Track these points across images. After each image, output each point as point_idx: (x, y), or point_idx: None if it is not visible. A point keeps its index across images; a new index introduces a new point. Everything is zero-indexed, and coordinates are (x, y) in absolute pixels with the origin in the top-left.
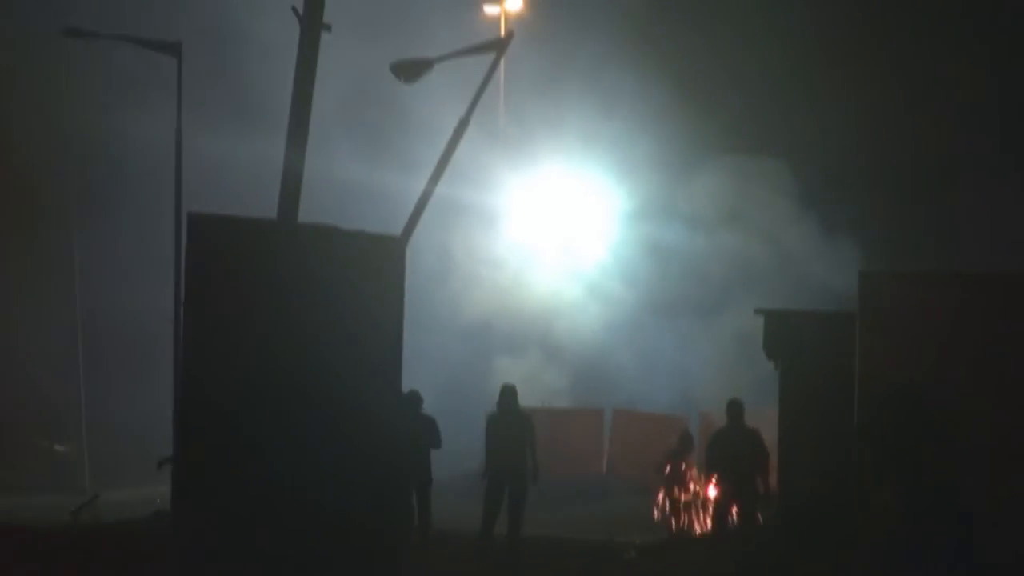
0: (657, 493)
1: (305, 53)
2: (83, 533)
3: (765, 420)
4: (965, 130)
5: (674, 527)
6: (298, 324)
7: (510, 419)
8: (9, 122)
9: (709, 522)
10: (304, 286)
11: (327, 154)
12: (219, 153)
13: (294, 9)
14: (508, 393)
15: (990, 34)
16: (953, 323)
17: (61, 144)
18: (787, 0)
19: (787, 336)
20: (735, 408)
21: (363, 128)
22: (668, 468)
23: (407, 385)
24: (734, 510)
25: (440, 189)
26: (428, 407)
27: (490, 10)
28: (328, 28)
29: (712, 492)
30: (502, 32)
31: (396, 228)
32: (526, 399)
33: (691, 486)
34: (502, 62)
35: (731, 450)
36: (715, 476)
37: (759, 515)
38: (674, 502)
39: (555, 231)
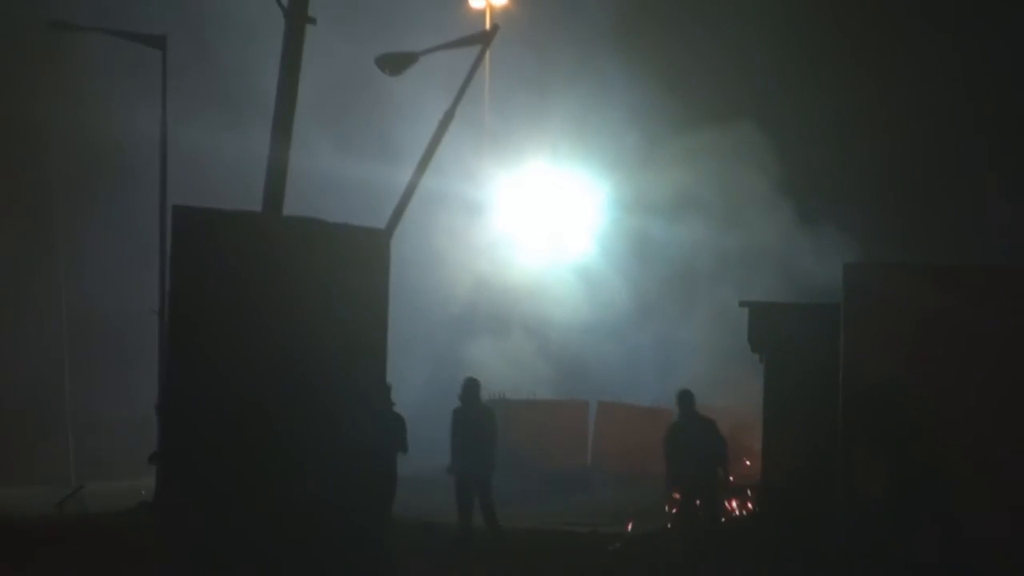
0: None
1: (290, 46)
2: (68, 524)
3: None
4: (953, 122)
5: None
6: (284, 316)
7: (473, 412)
8: None
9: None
10: (289, 279)
11: (312, 147)
12: (204, 145)
13: (279, 2)
14: (471, 386)
15: (977, 23)
16: (938, 315)
17: (44, 137)
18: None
19: (772, 328)
20: (686, 399)
21: (348, 121)
22: None
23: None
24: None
25: (425, 181)
26: (413, 400)
27: (475, 3)
28: (313, 21)
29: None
30: (487, 25)
31: (382, 221)
32: (512, 391)
33: None
34: (487, 55)
35: (689, 441)
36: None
37: (749, 503)
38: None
39: (540, 223)
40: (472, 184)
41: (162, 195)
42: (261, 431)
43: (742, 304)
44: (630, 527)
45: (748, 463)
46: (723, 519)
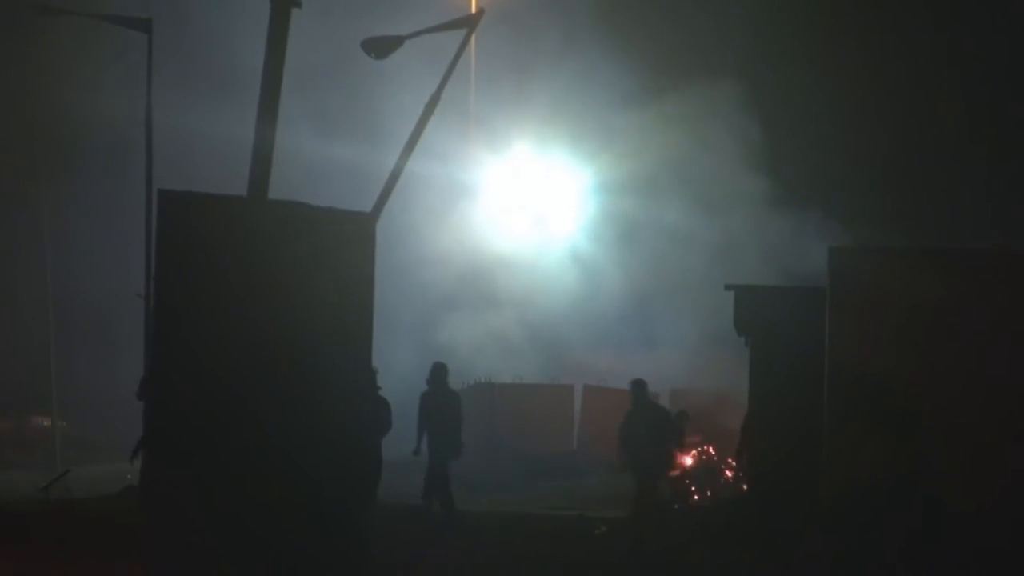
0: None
1: (275, 29)
2: (53, 509)
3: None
4: (939, 106)
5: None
6: (269, 300)
7: (440, 396)
8: None
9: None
10: (275, 262)
11: (298, 131)
12: (189, 129)
13: None
14: (438, 371)
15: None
16: (924, 299)
17: (31, 121)
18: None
19: (758, 311)
20: (639, 387)
21: (333, 105)
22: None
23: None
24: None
25: (411, 165)
26: (398, 384)
27: None
28: (298, 4)
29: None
30: (473, 8)
31: (367, 205)
32: (497, 375)
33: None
34: (473, 39)
35: (642, 428)
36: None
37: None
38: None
39: (526, 206)
40: (458, 167)
41: (147, 179)
42: (246, 415)
43: (728, 287)
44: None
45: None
46: (676, 505)
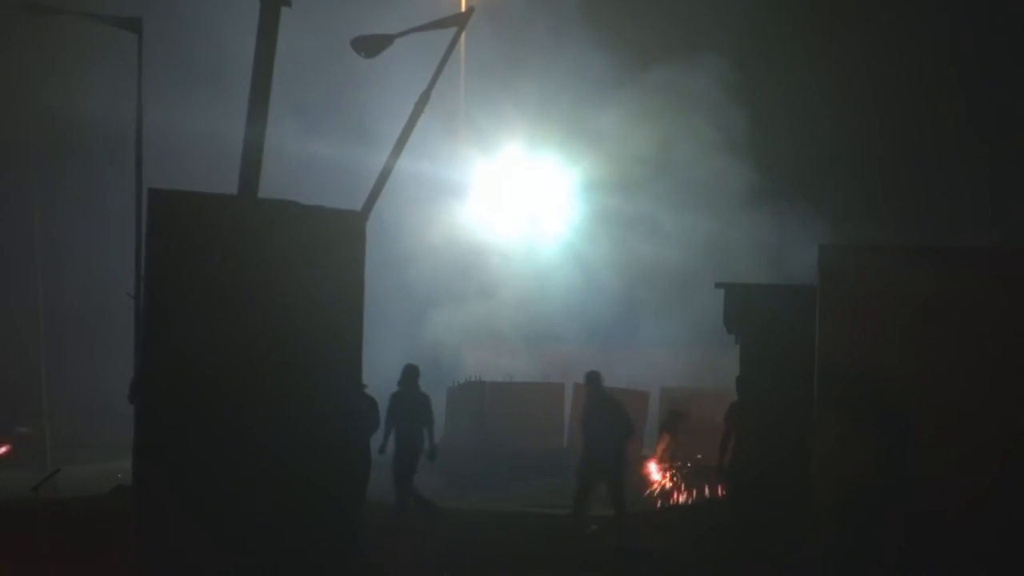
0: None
1: (265, 27)
2: (43, 508)
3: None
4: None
5: (677, 497)
6: (259, 300)
7: (410, 397)
8: None
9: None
10: (265, 262)
11: (288, 130)
12: (179, 128)
13: None
14: (409, 372)
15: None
16: (914, 297)
17: (20, 120)
18: None
19: (747, 309)
20: (593, 380)
21: (323, 104)
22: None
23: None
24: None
25: (401, 164)
26: (388, 383)
27: None
28: (288, 3)
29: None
30: (463, 6)
31: (357, 204)
32: (488, 374)
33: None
34: (463, 37)
35: (597, 421)
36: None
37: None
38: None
39: (516, 205)
40: (447, 166)
41: (137, 178)
42: (236, 414)
43: (718, 285)
44: None
45: None
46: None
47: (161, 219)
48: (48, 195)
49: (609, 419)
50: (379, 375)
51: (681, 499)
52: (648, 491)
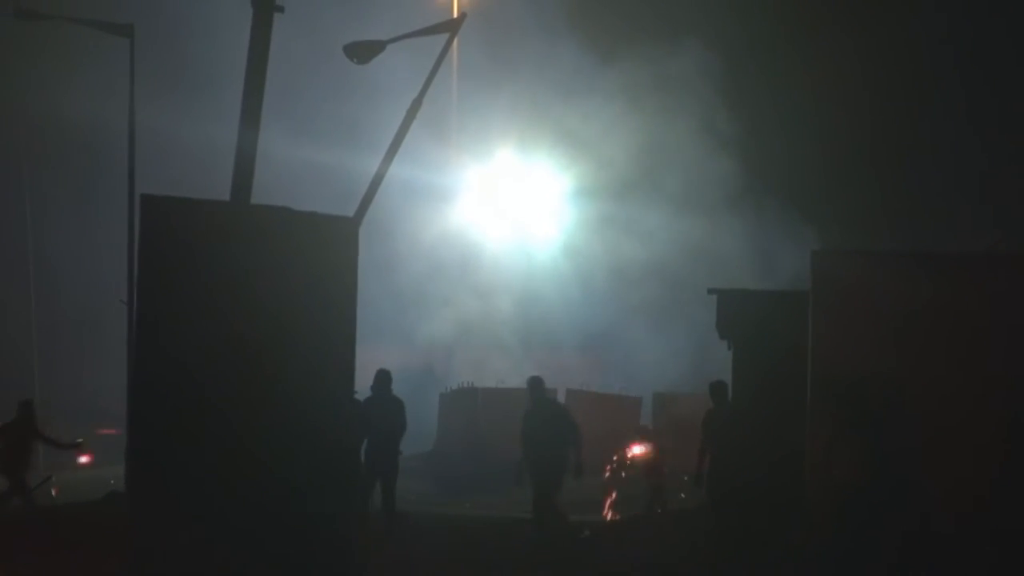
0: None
1: (257, 34)
2: (36, 514)
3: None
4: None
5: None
6: (252, 306)
7: (383, 403)
8: None
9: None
10: (258, 267)
11: (281, 136)
12: (172, 134)
13: None
14: (383, 378)
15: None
16: (907, 302)
17: (13, 126)
18: None
19: (740, 315)
20: (536, 384)
21: (316, 110)
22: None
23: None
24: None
25: (393, 169)
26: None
27: None
28: (281, 9)
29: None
30: (455, 13)
31: (350, 209)
32: (481, 380)
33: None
34: (455, 43)
35: (539, 426)
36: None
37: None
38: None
39: (508, 210)
40: (440, 172)
41: (130, 184)
42: (228, 420)
43: (710, 291)
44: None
45: None
46: (658, 508)
47: (154, 225)
48: (40, 201)
49: (552, 426)
50: (371, 380)
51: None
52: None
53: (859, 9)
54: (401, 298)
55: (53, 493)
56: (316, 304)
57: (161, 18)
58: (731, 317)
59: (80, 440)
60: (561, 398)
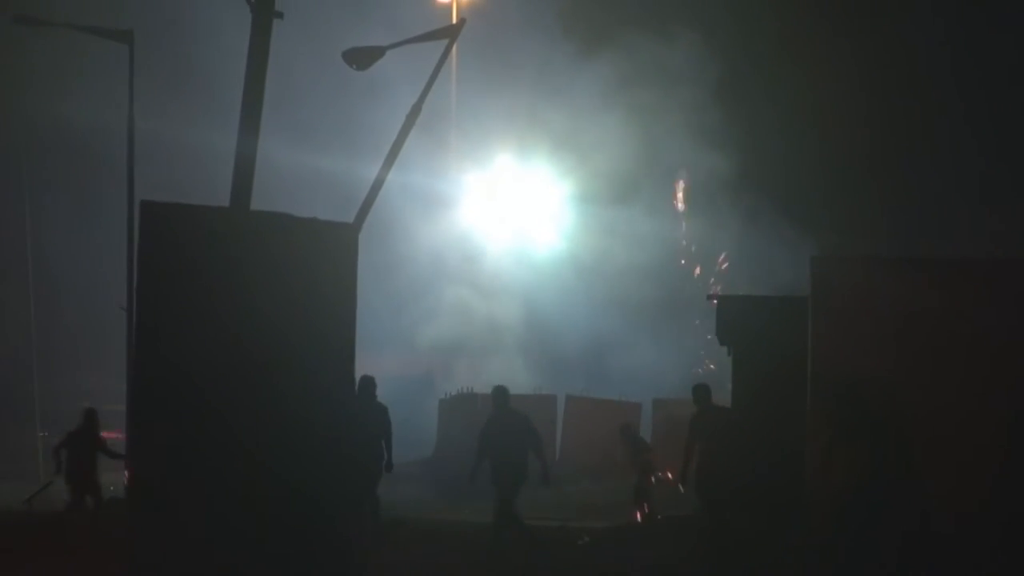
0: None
1: (256, 41)
2: (37, 521)
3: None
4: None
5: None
6: (252, 312)
7: (368, 410)
8: None
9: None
10: (258, 274)
11: (279, 142)
12: (171, 140)
13: None
14: (366, 384)
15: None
16: (906, 309)
17: (13, 130)
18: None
19: (740, 321)
20: (499, 394)
21: (314, 116)
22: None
23: (362, 371)
24: None
25: (393, 175)
26: (380, 395)
27: None
28: (280, 15)
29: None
30: (454, 19)
31: (349, 215)
32: (479, 386)
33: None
34: (454, 49)
35: (502, 434)
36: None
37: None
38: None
39: (508, 217)
40: (440, 177)
41: (129, 190)
42: (228, 427)
43: (710, 297)
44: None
45: None
46: (659, 516)
47: (153, 231)
48: (39, 206)
49: (514, 434)
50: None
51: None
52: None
53: (856, 13)
54: (401, 303)
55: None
56: (316, 310)
57: (161, 22)
58: (731, 323)
59: None
60: (560, 404)
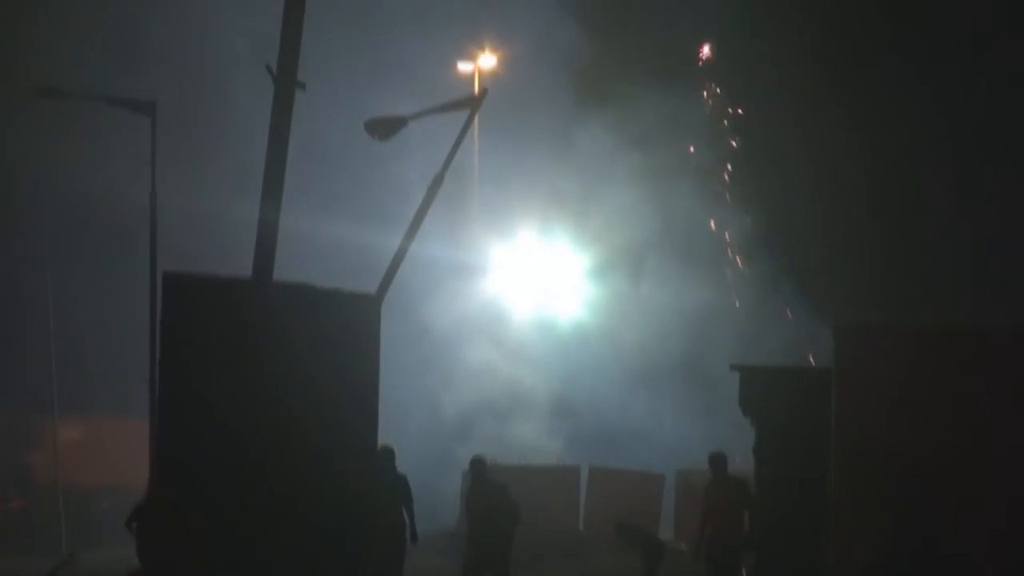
0: None
1: (279, 111)
2: None
3: None
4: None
5: None
6: (274, 383)
7: (388, 481)
8: None
9: None
10: (280, 345)
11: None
12: (194, 211)
13: (268, 67)
14: (386, 455)
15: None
16: (929, 378)
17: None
18: (748, 56)
19: (762, 391)
20: (477, 465)
21: (338, 186)
22: None
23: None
24: None
25: (415, 246)
26: (403, 464)
27: (464, 68)
28: (302, 86)
29: None
30: (476, 90)
31: (371, 286)
32: (504, 456)
33: None
34: (476, 119)
35: (481, 505)
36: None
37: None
38: None
39: (530, 288)
40: (462, 249)
41: (152, 261)
42: (250, 499)
43: (733, 367)
44: None
45: None
46: None
47: (176, 302)
48: (61, 279)
49: (493, 505)
50: (400, 453)
51: None
52: None
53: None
54: (426, 367)
55: None
56: (338, 380)
57: (183, 94)
58: (754, 394)
59: None
60: (584, 475)
